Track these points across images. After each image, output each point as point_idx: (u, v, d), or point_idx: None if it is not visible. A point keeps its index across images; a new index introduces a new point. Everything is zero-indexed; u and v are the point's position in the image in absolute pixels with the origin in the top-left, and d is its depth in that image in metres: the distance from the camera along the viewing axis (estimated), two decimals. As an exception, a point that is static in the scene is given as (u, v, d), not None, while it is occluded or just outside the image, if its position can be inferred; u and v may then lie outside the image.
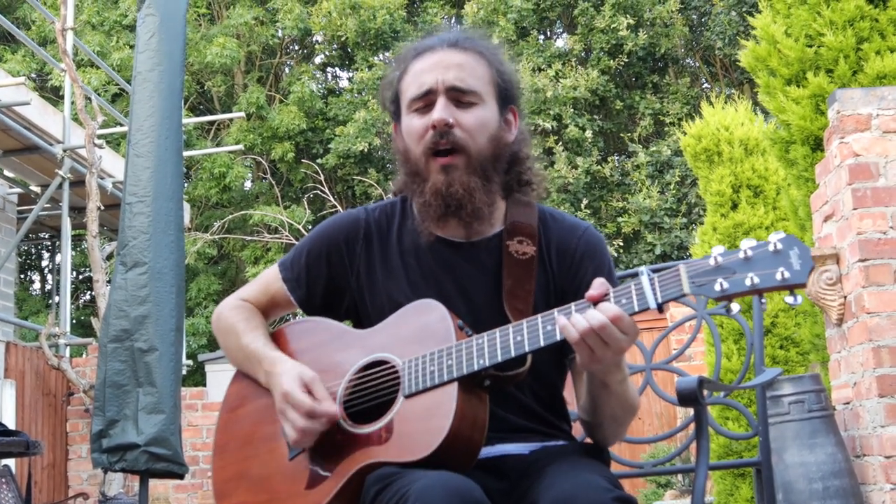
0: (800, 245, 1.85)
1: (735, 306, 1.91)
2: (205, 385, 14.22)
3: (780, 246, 1.85)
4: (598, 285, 2.01)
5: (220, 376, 12.81)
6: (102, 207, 9.61)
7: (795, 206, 5.92)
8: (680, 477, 9.31)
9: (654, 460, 3.33)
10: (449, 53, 2.31)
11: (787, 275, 1.83)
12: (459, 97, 2.27)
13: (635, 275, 2.01)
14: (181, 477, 5.18)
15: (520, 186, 2.40)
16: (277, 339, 2.42)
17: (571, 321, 1.97)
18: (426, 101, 2.28)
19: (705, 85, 21.72)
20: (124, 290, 5.13)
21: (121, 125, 13.38)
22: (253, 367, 2.37)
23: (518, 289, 2.26)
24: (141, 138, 5.35)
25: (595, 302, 1.99)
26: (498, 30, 19.18)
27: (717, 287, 1.87)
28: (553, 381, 2.35)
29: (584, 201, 18.04)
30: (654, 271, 1.98)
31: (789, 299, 1.86)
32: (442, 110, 2.24)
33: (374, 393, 2.20)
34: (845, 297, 4.84)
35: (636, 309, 1.96)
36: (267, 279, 2.51)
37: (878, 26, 5.28)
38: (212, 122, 21.98)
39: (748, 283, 1.85)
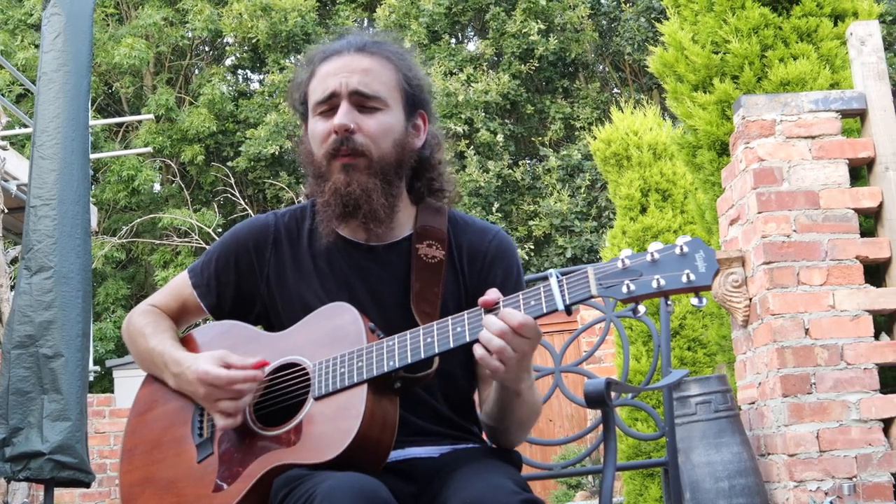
0: (705, 248, 1.88)
1: (641, 308, 1.94)
2: (112, 391, 14.00)
3: (686, 249, 1.89)
4: (491, 292, 2.04)
5: (128, 382, 12.62)
6: (6, 211, 9.39)
7: (702, 210, 6.02)
8: (590, 478, 9.40)
9: (565, 462, 3.35)
10: (355, 58, 2.30)
11: (692, 277, 1.87)
12: (363, 102, 2.26)
13: (545, 278, 2.03)
14: (87, 485, 5.07)
15: (431, 193, 2.41)
16: (188, 342, 2.40)
17: (488, 345, 1.98)
18: (330, 104, 2.27)
19: (615, 90, 21.99)
20: (29, 295, 5.01)
21: (25, 126, 13.10)
22: (160, 371, 2.35)
23: (426, 292, 2.26)
24: (46, 140, 5.23)
25: (488, 308, 2.01)
26: (410, 33, 19.20)
27: (625, 289, 1.90)
28: (463, 385, 2.36)
29: (496, 205, 18.13)
30: (564, 274, 2.00)
31: (694, 301, 1.90)
32: (343, 115, 2.23)
33: (284, 395, 2.20)
34: (750, 300, 4.93)
35: (544, 311, 1.98)
36: (177, 285, 2.49)
37: (782, 34, 5.39)
38: (120, 124, 21.64)
39: (654, 285, 1.88)
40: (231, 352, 2.29)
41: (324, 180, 2.28)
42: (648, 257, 1.91)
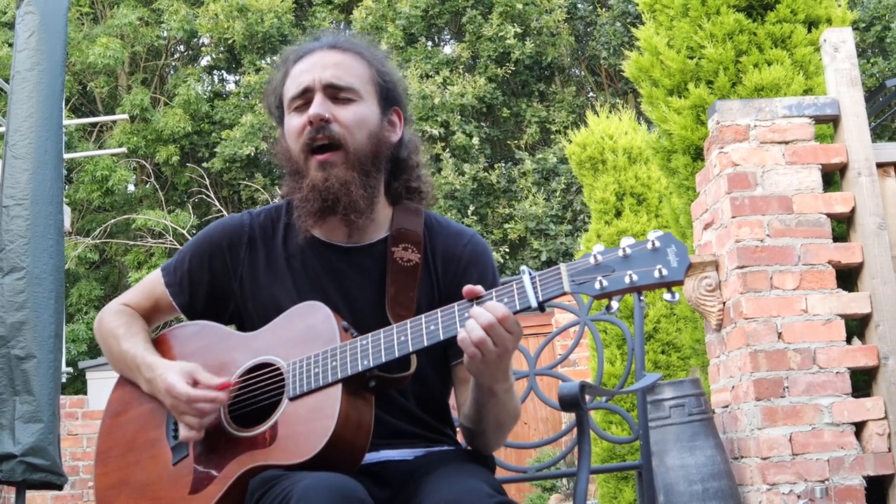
0: (677, 243, 1.88)
1: (615, 304, 1.94)
2: (85, 393, 13.92)
3: (658, 244, 1.89)
4: (476, 284, 2.04)
5: (101, 384, 12.55)
6: (-22, 210, 9.31)
7: (677, 214, 6.04)
8: (565, 481, 9.42)
9: (539, 465, 3.36)
10: (328, 53, 2.33)
11: (665, 272, 1.87)
12: (336, 94, 2.27)
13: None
14: (60, 488, 5.04)
15: (408, 194, 2.41)
16: (162, 343, 2.39)
17: (469, 333, 1.98)
18: (304, 99, 2.28)
19: (590, 94, 22.06)
20: (0, 296, 4.98)
21: (-2, 126, 13.00)
22: (133, 374, 2.34)
23: (401, 296, 2.26)
24: (19, 139, 5.20)
25: (474, 297, 2.01)
26: (386, 36, 19.18)
27: (597, 285, 1.90)
28: (438, 387, 2.36)
29: (471, 208, 18.13)
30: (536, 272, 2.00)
31: (667, 296, 1.90)
32: (318, 106, 2.25)
33: (259, 396, 2.19)
34: (724, 303, 4.95)
35: (518, 307, 1.98)
36: (150, 284, 2.48)
37: (756, 40, 5.42)
38: (94, 124, 21.52)
39: (627, 280, 1.88)
40: (205, 352, 2.29)
41: (301, 177, 2.28)
42: (620, 253, 1.91)
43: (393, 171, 2.38)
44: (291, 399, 2.11)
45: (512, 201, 18.91)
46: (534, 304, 1.97)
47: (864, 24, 16.73)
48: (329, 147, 2.25)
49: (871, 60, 16.51)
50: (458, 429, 2.45)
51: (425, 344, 2.04)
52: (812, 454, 4.57)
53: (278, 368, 2.17)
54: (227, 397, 2.17)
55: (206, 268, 2.40)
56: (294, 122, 2.29)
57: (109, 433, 2.37)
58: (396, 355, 2.06)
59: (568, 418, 9.46)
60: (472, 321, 1.98)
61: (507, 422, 2.25)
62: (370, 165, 2.29)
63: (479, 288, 2.03)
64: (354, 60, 2.33)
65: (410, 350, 2.05)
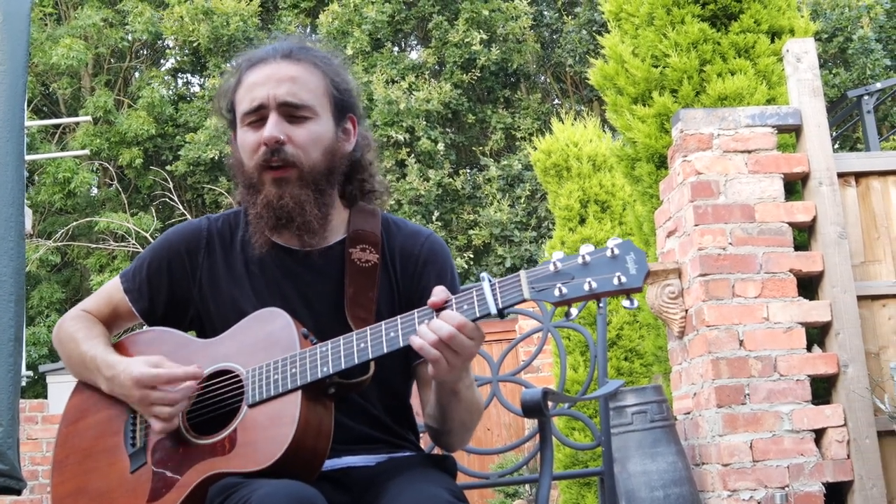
0: (636, 250, 1.90)
1: (574, 311, 1.95)
2: (46, 397, 13.79)
3: (617, 251, 1.90)
4: (440, 292, 2.03)
5: (61, 387, 12.44)
6: (-62, 212, 9.21)
7: (640, 222, 6.07)
8: (528, 486, 9.43)
9: (502, 471, 3.36)
10: (282, 66, 2.28)
11: (623, 279, 1.88)
12: (292, 112, 2.24)
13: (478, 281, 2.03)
14: (19, 493, 4.96)
15: (363, 195, 2.41)
16: (120, 349, 2.37)
17: (425, 339, 1.98)
18: (258, 115, 2.25)
19: (556, 101, 22.11)
20: (-40, 299, 4.93)
21: (-41, 127, 12.87)
22: (93, 376, 2.32)
23: (360, 297, 2.25)
24: (-20, 141, 5.15)
25: (437, 308, 2.01)
26: (352, 41, 19.15)
27: (557, 292, 1.91)
28: (400, 390, 2.36)
29: (436, 214, 18.13)
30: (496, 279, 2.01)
31: (625, 303, 1.91)
32: (273, 127, 2.21)
33: (217, 403, 2.18)
34: (686, 311, 4.98)
35: (477, 315, 1.98)
36: (109, 290, 2.46)
37: (721, 49, 5.46)
38: (57, 126, 21.34)
39: (586, 287, 1.89)
40: (164, 359, 2.27)
41: (255, 192, 2.26)
42: (580, 260, 1.92)
43: (347, 173, 2.37)
44: (251, 406, 2.10)
45: (476, 207, 18.92)
46: (493, 311, 1.97)
47: (826, 35, 16.88)
48: (283, 166, 2.23)
49: (833, 71, 16.67)
50: (420, 434, 2.45)
51: (385, 351, 2.04)
52: (772, 461, 4.60)
53: (237, 375, 2.16)
54: (195, 386, 2.15)
55: (164, 273, 2.38)
56: (249, 138, 2.26)
57: (66, 441, 2.34)
58: (356, 362, 2.05)
59: (531, 424, 9.47)
60: (430, 333, 1.98)
61: (471, 419, 2.24)
62: (324, 183, 2.28)
63: (443, 293, 2.03)
64: (309, 73, 2.30)
65: (370, 357, 2.05)
